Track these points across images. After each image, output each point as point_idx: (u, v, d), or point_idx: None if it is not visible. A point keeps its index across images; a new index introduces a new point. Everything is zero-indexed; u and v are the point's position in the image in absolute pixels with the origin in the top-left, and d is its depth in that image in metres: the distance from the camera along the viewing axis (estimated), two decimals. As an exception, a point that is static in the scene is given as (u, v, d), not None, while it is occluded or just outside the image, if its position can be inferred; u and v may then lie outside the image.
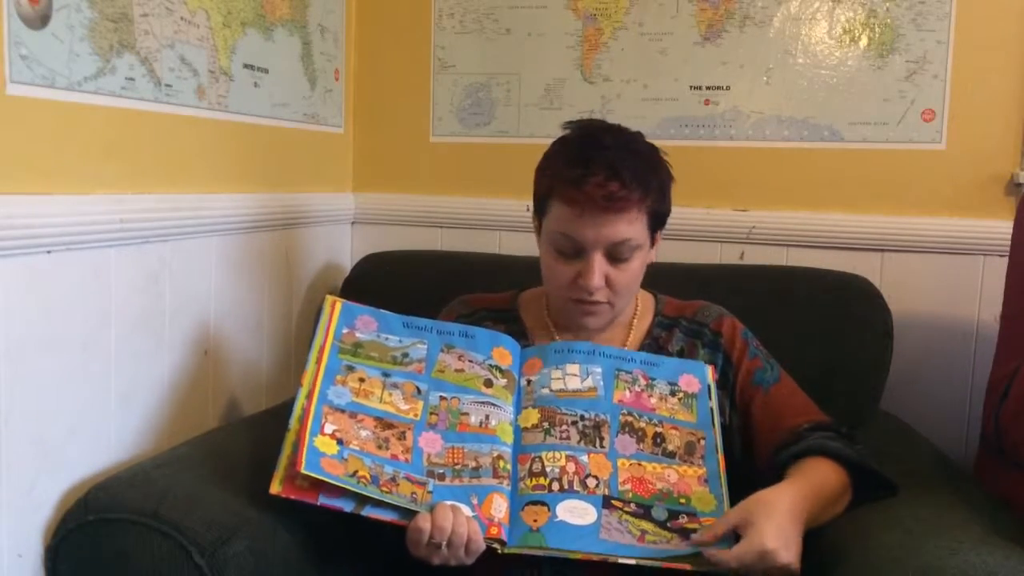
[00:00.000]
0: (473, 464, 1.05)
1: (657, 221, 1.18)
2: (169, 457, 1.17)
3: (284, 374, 1.63)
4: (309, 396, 1.07)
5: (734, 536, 0.98)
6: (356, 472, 1.00)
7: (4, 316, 1.03)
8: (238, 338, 1.50)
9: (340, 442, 1.03)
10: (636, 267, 1.17)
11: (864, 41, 1.61)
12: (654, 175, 1.15)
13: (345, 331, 1.14)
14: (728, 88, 1.68)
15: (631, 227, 1.13)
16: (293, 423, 1.04)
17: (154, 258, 1.28)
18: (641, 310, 1.27)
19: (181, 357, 1.35)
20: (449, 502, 1.00)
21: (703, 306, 1.28)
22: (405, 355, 1.14)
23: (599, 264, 1.13)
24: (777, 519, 0.96)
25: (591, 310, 1.17)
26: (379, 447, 1.04)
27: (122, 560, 1.01)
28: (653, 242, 1.21)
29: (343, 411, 1.06)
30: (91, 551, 1.04)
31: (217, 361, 1.45)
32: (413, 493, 1.01)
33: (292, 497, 0.99)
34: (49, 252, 1.09)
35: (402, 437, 1.06)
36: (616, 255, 1.14)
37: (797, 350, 1.36)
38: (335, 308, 1.15)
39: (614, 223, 1.12)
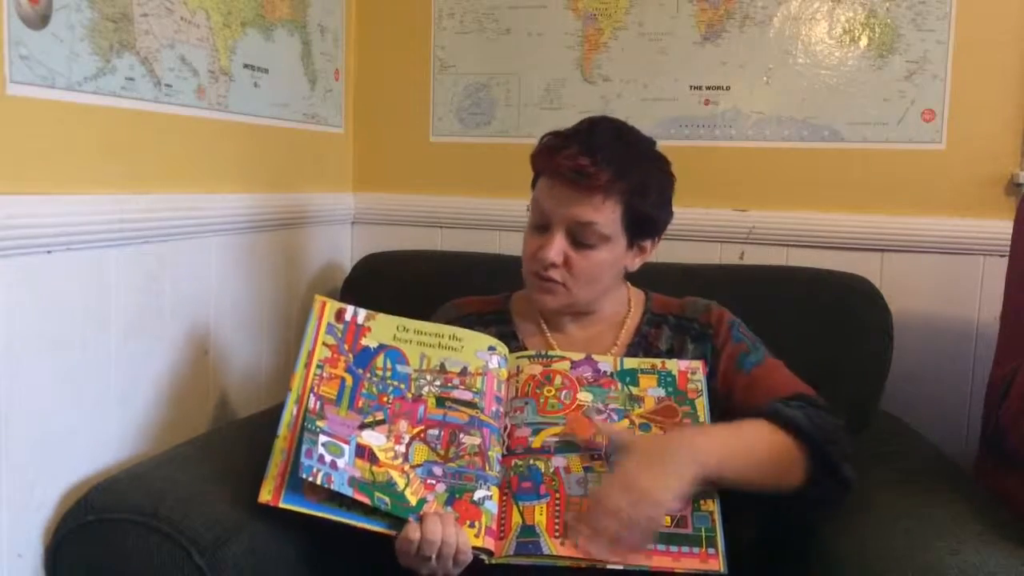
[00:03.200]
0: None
1: (638, 221, 1.16)
2: (169, 457, 1.17)
3: (284, 374, 1.63)
4: (299, 401, 1.07)
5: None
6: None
7: (4, 316, 1.03)
8: (238, 338, 1.50)
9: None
10: (601, 258, 1.16)
11: (864, 41, 1.61)
12: (636, 167, 1.15)
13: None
14: (728, 88, 1.68)
15: (597, 212, 1.13)
16: (282, 430, 1.05)
17: (154, 258, 1.28)
18: (633, 309, 1.27)
19: (181, 357, 1.35)
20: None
21: (692, 301, 1.28)
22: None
23: (559, 240, 1.15)
24: (649, 444, 1.02)
25: (545, 287, 1.18)
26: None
27: (122, 560, 1.01)
28: (636, 248, 1.19)
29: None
30: (91, 551, 1.04)
31: (217, 361, 1.45)
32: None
33: (281, 506, 0.99)
34: (49, 252, 1.09)
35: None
36: (580, 238, 1.15)
37: (797, 350, 1.35)
38: (325, 308, 1.15)
39: (580, 202, 1.13)
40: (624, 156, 1.14)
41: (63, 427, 1.14)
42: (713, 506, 1.03)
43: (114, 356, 1.21)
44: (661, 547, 1.00)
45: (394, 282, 1.62)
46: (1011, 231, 1.26)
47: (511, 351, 1.20)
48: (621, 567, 0.98)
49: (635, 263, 1.22)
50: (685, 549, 0.99)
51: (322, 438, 1.01)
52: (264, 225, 1.54)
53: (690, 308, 1.26)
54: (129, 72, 1.20)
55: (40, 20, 1.06)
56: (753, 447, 1.04)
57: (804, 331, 1.42)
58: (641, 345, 1.23)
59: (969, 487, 1.15)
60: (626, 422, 1.11)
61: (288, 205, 1.62)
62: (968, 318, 1.59)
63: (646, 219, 1.18)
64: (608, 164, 1.11)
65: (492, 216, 1.78)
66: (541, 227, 1.18)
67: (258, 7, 1.49)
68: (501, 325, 1.27)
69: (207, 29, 1.36)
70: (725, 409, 1.18)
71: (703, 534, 1.00)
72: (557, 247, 1.15)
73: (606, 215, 1.13)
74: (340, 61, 1.80)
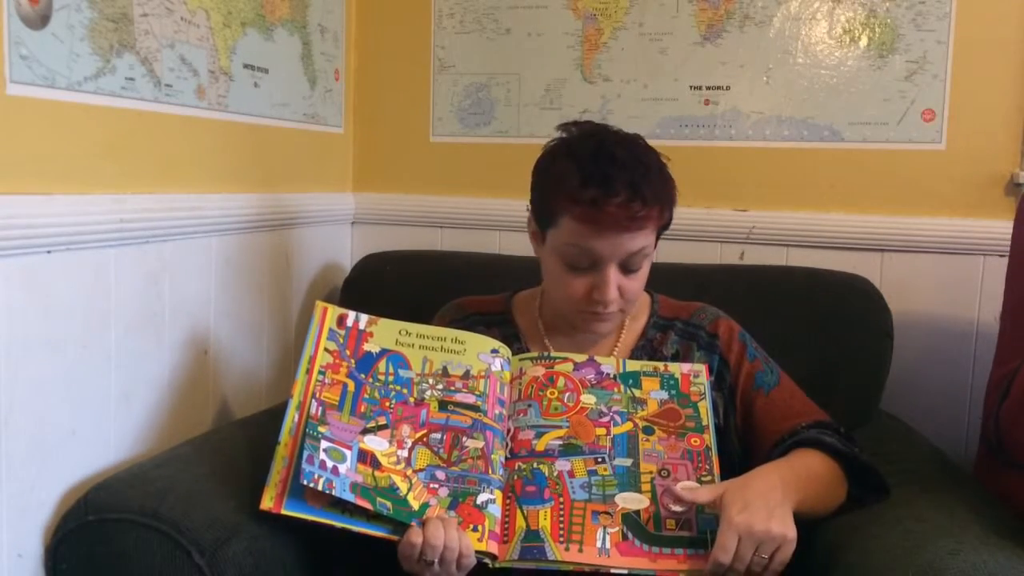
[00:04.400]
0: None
1: (663, 230, 1.19)
2: (169, 457, 1.17)
3: (284, 374, 1.63)
4: (301, 408, 1.06)
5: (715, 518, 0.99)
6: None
7: (4, 316, 1.03)
8: (238, 338, 1.50)
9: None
10: (644, 275, 1.17)
11: (864, 41, 1.61)
12: (667, 188, 1.15)
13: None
14: (728, 88, 1.68)
15: (646, 239, 1.13)
16: (284, 436, 1.04)
17: (154, 258, 1.28)
18: (637, 311, 1.26)
19: (181, 357, 1.35)
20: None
21: (700, 308, 1.27)
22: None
23: (614, 276, 1.12)
24: (744, 493, 0.97)
25: (604, 318, 1.16)
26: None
27: (122, 560, 1.01)
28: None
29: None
30: (91, 551, 1.04)
31: (217, 361, 1.45)
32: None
33: (283, 513, 0.99)
34: (49, 252, 1.09)
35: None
36: (629, 265, 1.13)
37: (797, 350, 1.36)
38: (326, 314, 1.15)
39: (632, 239, 1.11)
40: (657, 182, 1.12)
41: (63, 427, 1.13)
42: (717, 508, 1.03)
43: (114, 356, 1.21)
44: (667, 550, 1.00)
45: (394, 282, 1.62)
46: (1011, 231, 1.26)
47: (514, 354, 1.20)
48: (625, 571, 0.98)
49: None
50: (691, 551, 0.99)
51: (324, 444, 1.01)
52: (264, 225, 1.54)
53: (698, 315, 1.26)
54: (129, 72, 1.20)
55: (40, 20, 1.06)
56: (818, 478, 1.07)
57: (804, 331, 1.42)
58: (646, 349, 1.23)
59: (969, 487, 1.15)
60: (629, 424, 1.11)
61: (288, 205, 1.62)
62: (968, 318, 1.59)
63: (669, 223, 1.19)
64: (654, 199, 1.10)
65: (492, 216, 1.78)
66: (584, 267, 1.13)
67: (258, 7, 1.49)
68: (504, 327, 1.27)
69: (207, 29, 1.36)
70: (742, 426, 1.20)
71: (708, 536, 1.00)
72: (615, 283, 1.12)
73: (651, 238, 1.14)
74: (340, 61, 1.80)
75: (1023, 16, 1.54)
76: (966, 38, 1.56)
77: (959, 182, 1.59)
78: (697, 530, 1.01)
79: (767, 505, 0.96)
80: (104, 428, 1.21)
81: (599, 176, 1.08)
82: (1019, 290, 1.23)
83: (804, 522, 1.00)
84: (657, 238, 1.18)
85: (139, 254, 1.24)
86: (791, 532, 0.95)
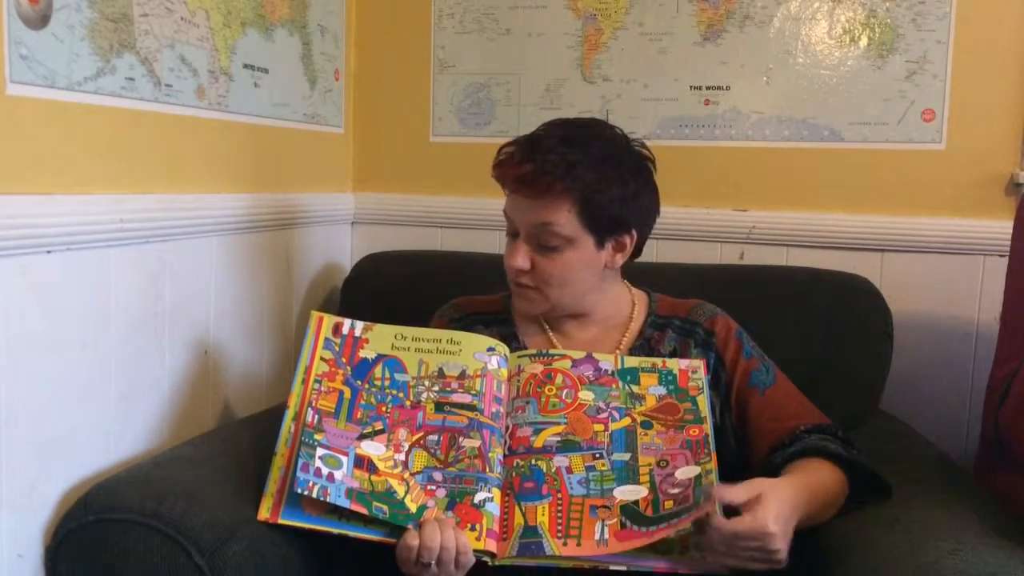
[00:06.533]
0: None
1: (600, 219, 1.15)
2: (169, 457, 1.17)
3: (284, 374, 1.63)
4: (297, 418, 1.07)
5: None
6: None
7: (4, 316, 1.03)
8: (238, 338, 1.50)
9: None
10: (567, 260, 1.16)
11: (864, 41, 1.61)
12: (585, 167, 1.13)
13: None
14: (728, 88, 1.68)
15: (553, 214, 1.13)
16: (280, 447, 1.05)
17: (154, 258, 1.28)
18: (636, 311, 1.27)
19: (181, 357, 1.35)
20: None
21: (697, 305, 1.27)
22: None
23: (522, 246, 1.18)
24: (780, 505, 0.96)
25: (521, 293, 1.21)
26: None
27: (122, 560, 1.01)
28: (611, 244, 1.18)
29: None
30: (91, 551, 1.04)
31: (217, 361, 1.45)
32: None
33: (280, 522, 1.00)
34: (49, 252, 1.09)
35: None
36: (542, 241, 1.16)
37: (797, 350, 1.36)
38: (322, 324, 1.15)
39: (533, 208, 1.15)
40: (570, 158, 1.12)
41: (63, 427, 1.13)
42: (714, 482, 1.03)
43: (114, 356, 1.21)
44: (663, 524, 0.99)
45: (394, 282, 1.62)
46: (1011, 231, 1.26)
47: (512, 352, 1.20)
48: (624, 568, 0.98)
49: (616, 260, 1.20)
50: (684, 516, 0.98)
51: (320, 451, 1.01)
52: (264, 225, 1.54)
53: (695, 312, 1.26)
54: (129, 72, 1.20)
55: (40, 20, 1.06)
56: (828, 492, 1.07)
57: (804, 331, 1.42)
58: (644, 348, 1.23)
59: (969, 487, 1.15)
60: (628, 420, 1.11)
61: (288, 205, 1.62)
62: (968, 318, 1.59)
63: (608, 216, 1.15)
64: (552, 168, 1.12)
65: (492, 216, 1.77)
66: (512, 234, 1.21)
67: (258, 7, 1.49)
68: (502, 326, 1.27)
69: (207, 29, 1.36)
70: (737, 424, 1.19)
71: (703, 503, 0.99)
72: (522, 253, 1.17)
73: (561, 216, 1.13)
74: (340, 61, 1.80)
75: (1023, 17, 1.54)
76: (966, 38, 1.56)
77: (959, 182, 1.59)
78: (693, 500, 1.00)
79: (790, 527, 0.97)
80: (104, 428, 1.21)
81: (516, 140, 1.19)
82: (1019, 290, 1.23)
83: (802, 528, 1.00)
84: (601, 235, 1.16)
85: (139, 254, 1.24)
86: (785, 556, 0.96)
